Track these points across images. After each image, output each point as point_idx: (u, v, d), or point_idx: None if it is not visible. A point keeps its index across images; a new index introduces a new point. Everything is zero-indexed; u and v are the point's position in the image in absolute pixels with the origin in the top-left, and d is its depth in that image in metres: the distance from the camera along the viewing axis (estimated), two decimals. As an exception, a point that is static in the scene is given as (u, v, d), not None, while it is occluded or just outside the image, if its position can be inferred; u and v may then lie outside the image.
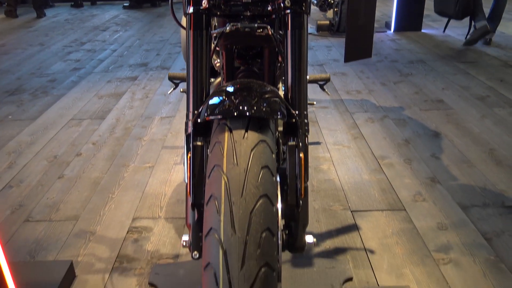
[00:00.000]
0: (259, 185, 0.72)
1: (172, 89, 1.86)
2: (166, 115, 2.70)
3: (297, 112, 1.01)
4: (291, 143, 0.96)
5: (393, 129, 2.42)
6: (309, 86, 3.11)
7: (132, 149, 2.29)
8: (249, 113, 0.77)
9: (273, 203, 0.73)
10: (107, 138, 2.42)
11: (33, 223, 1.71)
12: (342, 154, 2.17)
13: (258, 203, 0.71)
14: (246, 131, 0.77)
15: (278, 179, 0.91)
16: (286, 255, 1.49)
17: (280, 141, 1.08)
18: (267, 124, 0.81)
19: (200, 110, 0.91)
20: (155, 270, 1.44)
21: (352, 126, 2.48)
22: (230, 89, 0.87)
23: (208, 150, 0.78)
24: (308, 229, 1.63)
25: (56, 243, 1.60)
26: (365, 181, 1.93)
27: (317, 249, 1.52)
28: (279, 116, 0.80)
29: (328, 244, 1.55)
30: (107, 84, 3.31)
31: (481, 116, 2.55)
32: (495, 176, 1.94)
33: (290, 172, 0.96)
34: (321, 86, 2.15)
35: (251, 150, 0.74)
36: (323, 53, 4.00)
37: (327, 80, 2.14)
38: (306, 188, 1.01)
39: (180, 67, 3.68)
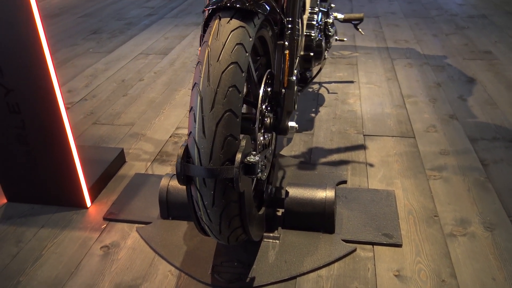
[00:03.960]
0: (232, 55, 0.96)
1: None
2: (220, 53, 2.99)
3: (290, 18, 1.23)
4: (279, 42, 1.19)
5: (429, 73, 2.50)
6: (347, 27, 3.22)
7: (186, 78, 2.62)
8: (236, 5, 1.01)
9: (242, 70, 0.97)
10: (166, 69, 2.77)
11: (99, 125, 2.12)
12: (371, 91, 2.33)
13: (229, 67, 0.96)
14: (231, 18, 1.01)
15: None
16: (292, 161, 1.73)
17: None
18: (251, 18, 1.04)
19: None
20: (186, 162, 1.76)
21: (389, 70, 2.59)
22: (229, -7, 1.11)
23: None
24: (320, 145, 1.87)
25: (115, 140, 1.98)
26: (385, 113, 2.09)
27: (322, 160, 1.75)
28: (260, 11, 1.03)
29: (335, 157, 1.77)
30: (174, 27, 3.66)
31: (525, 67, 2.53)
32: (515, 117, 2.00)
33: (276, 66, 1.20)
34: (355, 26, 2.30)
35: (231, 31, 0.99)
36: (383, 6, 4.01)
37: (360, 20, 2.29)
38: (291, 82, 1.25)
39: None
